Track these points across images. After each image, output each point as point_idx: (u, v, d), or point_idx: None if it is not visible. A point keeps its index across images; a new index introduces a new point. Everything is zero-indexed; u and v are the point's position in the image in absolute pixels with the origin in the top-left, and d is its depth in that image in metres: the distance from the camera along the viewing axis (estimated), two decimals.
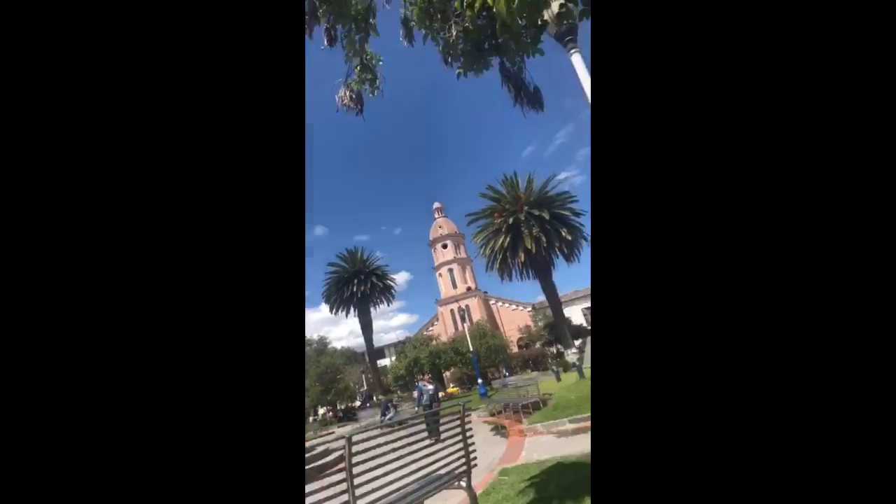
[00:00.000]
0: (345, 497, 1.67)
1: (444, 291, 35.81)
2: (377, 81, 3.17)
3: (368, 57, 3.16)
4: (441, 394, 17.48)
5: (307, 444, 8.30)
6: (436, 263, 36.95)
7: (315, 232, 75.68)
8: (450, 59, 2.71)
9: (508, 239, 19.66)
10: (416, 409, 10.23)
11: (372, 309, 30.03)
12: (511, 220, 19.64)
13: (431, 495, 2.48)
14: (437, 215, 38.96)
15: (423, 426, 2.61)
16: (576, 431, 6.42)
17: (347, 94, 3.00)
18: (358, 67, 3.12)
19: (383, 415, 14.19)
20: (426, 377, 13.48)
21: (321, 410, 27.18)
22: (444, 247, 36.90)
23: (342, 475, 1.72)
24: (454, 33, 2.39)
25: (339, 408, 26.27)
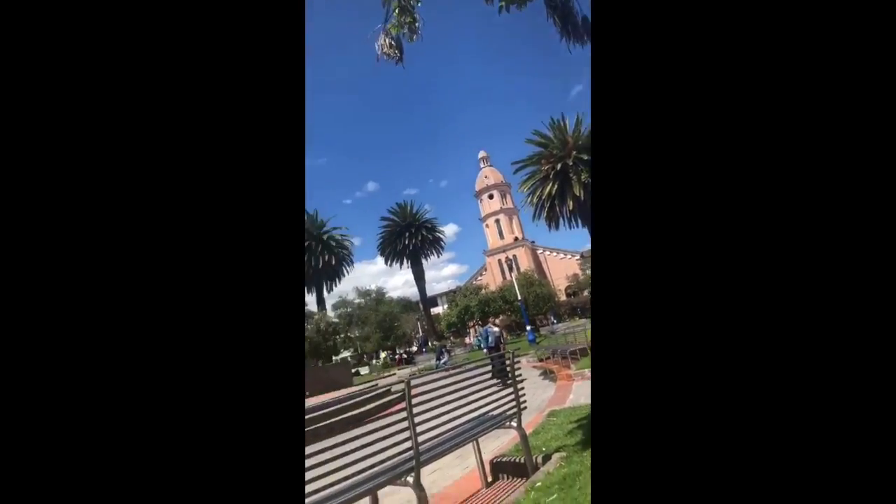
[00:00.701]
0: (407, 434, 1.87)
1: (491, 242, 35.73)
2: (416, 24, 3.00)
3: None
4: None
5: (372, 384, 9.10)
6: (482, 214, 36.61)
7: (367, 188, 77.06)
8: None
9: (556, 186, 18.83)
10: (484, 350, 10.29)
11: (423, 260, 30.91)
12: (559, 166, 18.67)
13: (485, 433, 2.67)
14: (482, 165, 37.95)
15: (477, 370, 2.76)
16: None
17: (387, 41, 2.86)
18: (396, 10, 2.96)
19: (438, 359, 15.05)
20: (492, 319, 13.60)
21: (382, 354, 29.41)
22: (491, 197, 36.25)
23: (404, 413, 1.91)
24: None
25: (398, 352, 28.25)
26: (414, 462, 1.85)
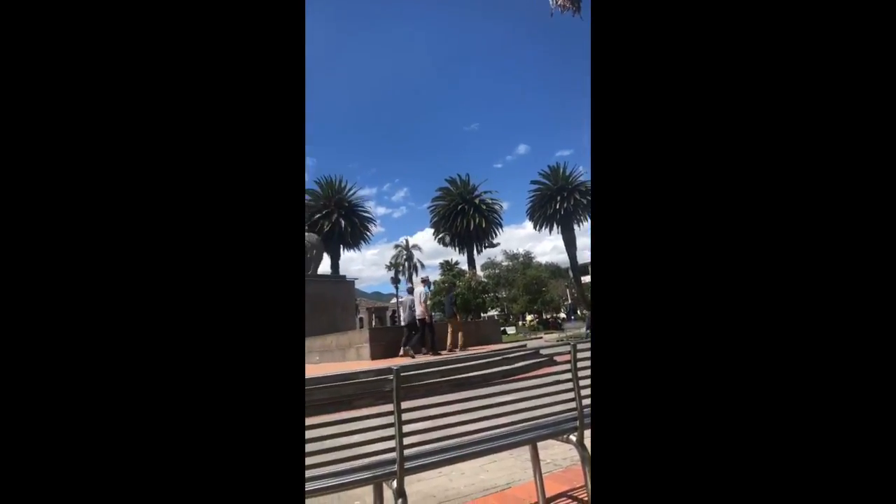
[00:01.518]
0: (571, 395, 1.86)
1: None
2: None
3: None
4: None
5: (521, 344, 9.38)
6: None
7: (518, 150, 76.10)
8: None
9: None
10: None
11: (576, 226, 29.34)
12: None
13: None
14: None
15: None
16: None
17: None
18: None
19: (589, 328, 14.44)
20: None
21: (528, 317, 29.86)
22: None
23: (567, 375, 1.91)
24: None
25: (544, 316, 28.21)
26: (578, 423, 1.85)
